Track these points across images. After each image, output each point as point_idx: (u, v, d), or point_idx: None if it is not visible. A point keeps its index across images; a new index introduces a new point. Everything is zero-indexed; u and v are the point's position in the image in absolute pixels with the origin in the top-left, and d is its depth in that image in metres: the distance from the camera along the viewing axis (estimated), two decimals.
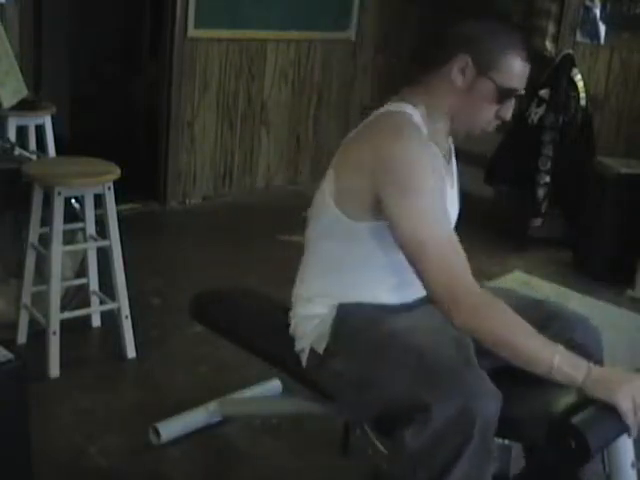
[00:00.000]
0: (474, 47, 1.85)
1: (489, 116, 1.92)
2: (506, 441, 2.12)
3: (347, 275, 1.94)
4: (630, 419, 1.58)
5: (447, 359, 1.71)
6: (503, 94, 1.88)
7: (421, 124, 1.87)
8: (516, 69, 1.88)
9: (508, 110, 1.92)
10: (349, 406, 1.94)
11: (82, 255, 3.25)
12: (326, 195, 1.90)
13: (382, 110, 1.91)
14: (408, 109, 1.88)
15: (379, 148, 1.81)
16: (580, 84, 4.65)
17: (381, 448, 2.05)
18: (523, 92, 1.93)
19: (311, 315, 1.96)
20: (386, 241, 1.84)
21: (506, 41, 1.87)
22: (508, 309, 1.72)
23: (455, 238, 1.78)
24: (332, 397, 1.96)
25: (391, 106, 1.90)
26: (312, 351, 1.94)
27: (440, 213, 1.79)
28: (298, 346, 1.98)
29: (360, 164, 1.84)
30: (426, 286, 1.78)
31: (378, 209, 1.81)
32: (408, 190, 1.77)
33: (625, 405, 1.59)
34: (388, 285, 1.94)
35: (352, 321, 1.88)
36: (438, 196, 1.80)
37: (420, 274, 1.77)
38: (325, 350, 1.90)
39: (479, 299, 1.73)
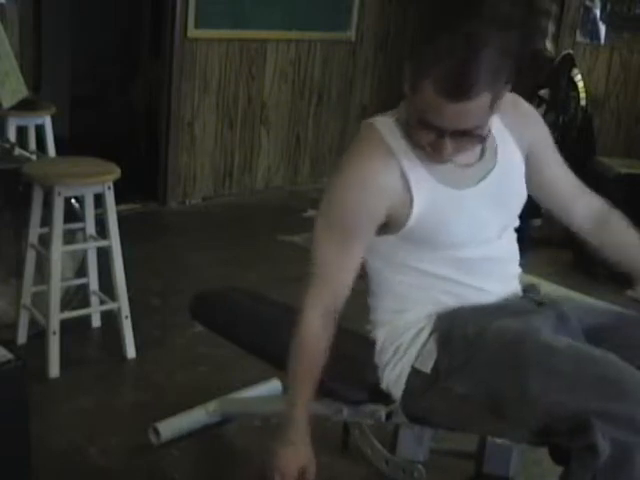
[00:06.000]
0: (414, 48, 1.52)
1: (421, 142, 1.54)
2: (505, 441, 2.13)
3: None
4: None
5: (604, 363, 1.52)
6: (420, 120, 1.50)
7: (394, 133, 1.61)
8: (427, 96, 1.43)
9: (438, 146, 1.51)
10: (486, 431, 1.67)
11: (82, 255, 3.25)
12: None
13: None
14: (386, 117, 1.65)
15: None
16: (580, 84, 4.65)
17: (381, 448, 2.05)
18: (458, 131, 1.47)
19: (402, 325, 1.71)
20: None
21: (439, 51, 1.38)
22: (317, 349, 1.64)
23: (335, 265, 1.62)
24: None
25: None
26: (414, 373, 1.67)
27: (337, 235, 1.61)
28: (392, 374, 1.73)
29: None
30: None
31: None
32: (323, 201, 1.65)
33: (275, 468, 1.63)
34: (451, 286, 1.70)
35: (459, 328, 1.63)
36: (349, 216, 1.60)
37: None
38: (434, 369, 1.64)
39: (303, 330, 1.65)
